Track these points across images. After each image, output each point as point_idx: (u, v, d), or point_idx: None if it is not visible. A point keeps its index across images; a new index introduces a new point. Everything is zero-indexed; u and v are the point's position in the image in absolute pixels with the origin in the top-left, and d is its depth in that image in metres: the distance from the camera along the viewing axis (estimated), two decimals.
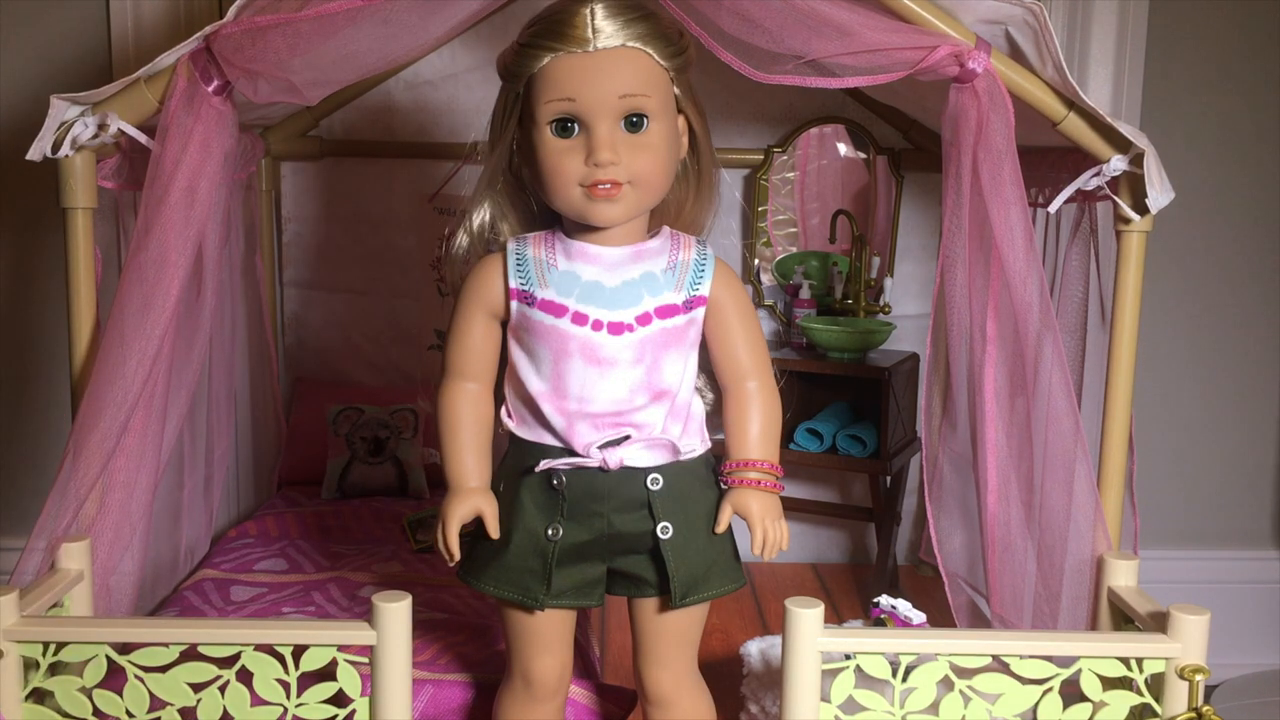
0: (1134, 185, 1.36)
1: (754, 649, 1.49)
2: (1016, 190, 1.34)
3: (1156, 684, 1.20)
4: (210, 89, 1.31)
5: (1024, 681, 1.20)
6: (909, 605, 1.39)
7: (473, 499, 1.17)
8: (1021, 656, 1.19)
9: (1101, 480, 1.43)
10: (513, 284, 1.16)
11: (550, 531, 1.15)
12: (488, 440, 1.21)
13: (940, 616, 1.61)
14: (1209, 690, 2.04)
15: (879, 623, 1.38)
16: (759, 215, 2.15)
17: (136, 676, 1.18)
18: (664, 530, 1.15)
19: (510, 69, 1.13)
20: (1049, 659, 1.20)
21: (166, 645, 1.18)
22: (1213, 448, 2.24)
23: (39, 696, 1.21)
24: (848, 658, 1.18)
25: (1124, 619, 1.32)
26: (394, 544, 1.86)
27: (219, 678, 1.18)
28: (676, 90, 1.15)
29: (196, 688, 1.18)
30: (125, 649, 1.19)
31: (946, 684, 1.19)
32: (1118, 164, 1.36)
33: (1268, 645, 2.22)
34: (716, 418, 1.22)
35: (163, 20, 2.02)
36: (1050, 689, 1.19)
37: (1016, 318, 1.38)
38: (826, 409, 2.04)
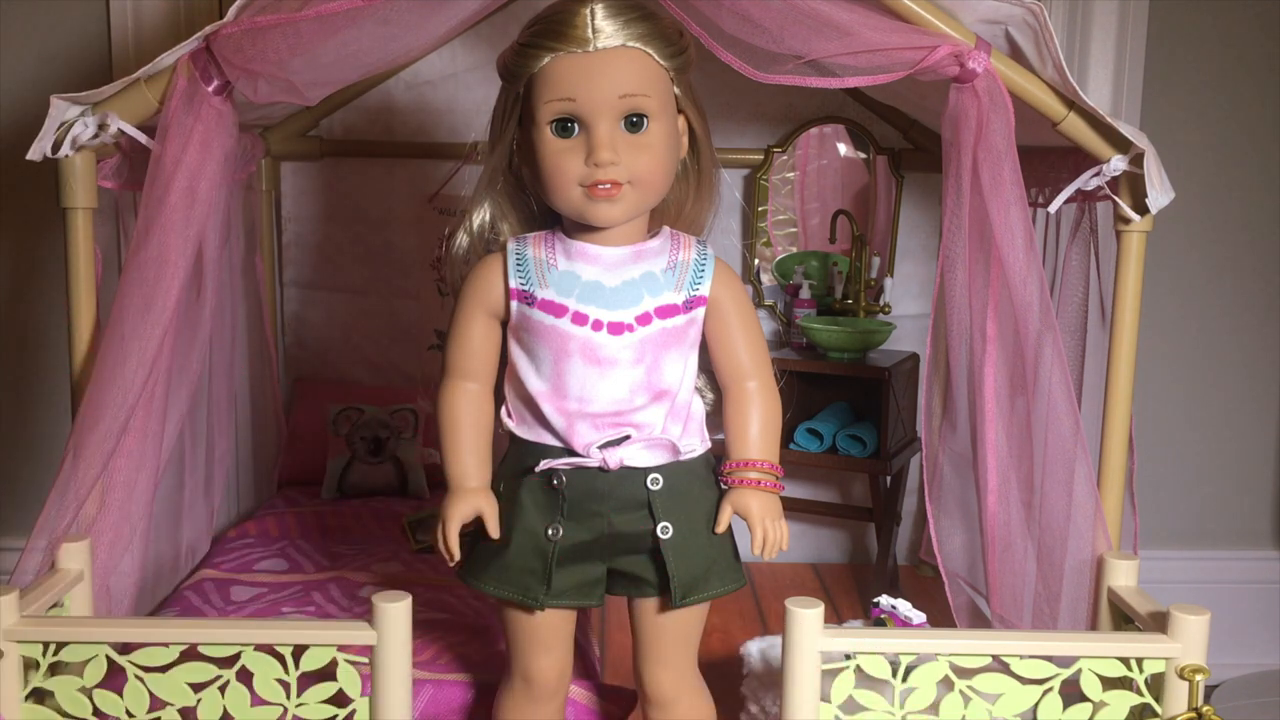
0: (1134, 185, 1.36)
1: (754, 649, 1.49)
2: (1016, 190, 1.34)
3: (1156, 684, 1.20)
4: (210, 89, 1.31)
5: (1024, 681, 1.19)
6: (909, 605, 1.38)
7: (473, 499, 1.17)
8: (1021, 656, 1.19)
9: (1101, 480, 1.43)
10: (513, 284, 1.16)
11: (550, 531, 1.15)
12: (488, 440, 1.20)
13: (940, 616, 1.61)
14: (1209, 690, 2.04)
15: (879, 623, 1.38)
16: (759, 215, 2.15)
17: (136, 676, 1.18)
18: (664, 530, 1.15)
19: (510, 69, 1.13)
20: (1049, 659, 1.20)
21: (166, 645, 1.18)
22: (1213, 448, 2.24)
23: (39, 696, 1.21)
24: (848, 658, 1.18)
25: (1124, 619, 1.32)
26: (394, 544, 1.86)
27: (219, 678, 1.18)
28: (676, 90, 1.14)
29: (196, 688, 1.18)
30: (125, 649, 1.19)
31: (946, 684, 1.19)
32: (1118, 164, 1.36)
33: (1268, 645, 2.22)
34: (716, 418, 1.22)
35: (163, 20, 2.02)
36: (1050, 689, 1.19)
37: (1016, 318, 1.38)
38: (826, 409, 2.04)
